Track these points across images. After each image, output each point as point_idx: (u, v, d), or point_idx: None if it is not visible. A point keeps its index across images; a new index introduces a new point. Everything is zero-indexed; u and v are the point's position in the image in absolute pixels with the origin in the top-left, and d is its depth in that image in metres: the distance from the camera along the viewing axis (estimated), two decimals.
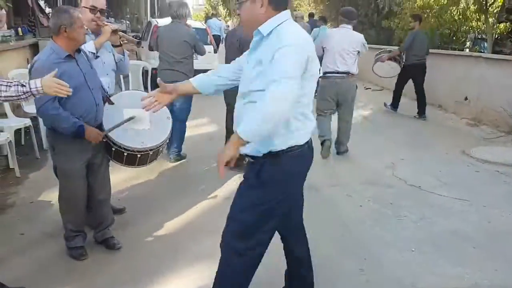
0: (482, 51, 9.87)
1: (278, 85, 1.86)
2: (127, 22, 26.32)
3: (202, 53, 5.26)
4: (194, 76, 2.46)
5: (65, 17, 2.67)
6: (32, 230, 3.44)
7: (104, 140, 2.95)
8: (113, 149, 3.01)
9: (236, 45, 4.50)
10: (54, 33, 2.73)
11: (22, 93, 2.29)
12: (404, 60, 7.62)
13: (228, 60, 4.58)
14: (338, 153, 5.54)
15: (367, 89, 10.74)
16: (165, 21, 12.77)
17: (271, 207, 2.13)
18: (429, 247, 3.29)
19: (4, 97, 2.28)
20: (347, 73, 5.23)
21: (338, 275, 2.94)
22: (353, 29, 5.43)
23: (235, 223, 2.17)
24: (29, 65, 2.98)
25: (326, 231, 3.52)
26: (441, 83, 8.43)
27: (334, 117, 5.58)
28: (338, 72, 5.21)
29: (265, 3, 2.00)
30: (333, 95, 5.30)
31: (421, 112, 7.66)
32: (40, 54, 2.77)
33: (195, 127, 6.35)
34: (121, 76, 6.22)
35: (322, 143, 5.28)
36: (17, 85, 2.29)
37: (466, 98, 7.66)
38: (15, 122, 4.98)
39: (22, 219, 3.59)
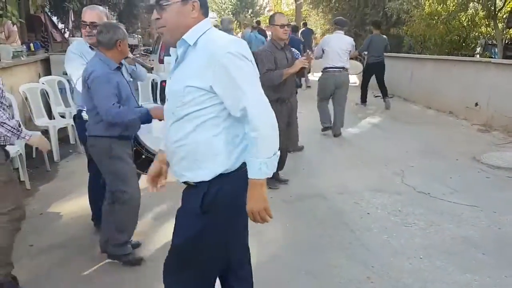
0: (493, 56, 9.79)
1: (257, 102, 1.73)
2: (139, 36, 26.78)
3: None
4: None
5: (120, 32, 2.90)
6: (41, 241, 3.49)
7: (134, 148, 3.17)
8: (143, 156, 3.22)
9: None
10: (109, 46, 2.91)
11: (16, 129, 2.56)
12: (365, 60, 9.28)
13: None
14: (335, 135, 6.76)
15: (376, 96, 10.68)
16: None
17: (217, 237, 1.89)
18: (438, 254, 3.25)
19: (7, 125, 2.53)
20: (343, 67, 6.64)
21: (345, 283, 2.91)
22: (346, 34, 7.02)
23: (174, 256, 1.96)
24: (79, 78, 3.11)
25: (333, 238, 3.51)
26: (452, 89, 8.38)
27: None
28: (336, 67, 6.60)
29: (197, 7, 1.78)
30: (332, 85, 6.64)
31: (385, 95, 9.15)
32: (93, 66, 2.88)
33: None
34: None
35: (324, 129, 6.88)
36: (17, 122, 2.61)
37: (476, 104, 7.59)
38: None
39: (32, 230, 3.62)
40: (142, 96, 7.20)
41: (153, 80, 7.33)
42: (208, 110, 1.75)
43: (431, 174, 5.05)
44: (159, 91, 7.51)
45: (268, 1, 39.40)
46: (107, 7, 15.53)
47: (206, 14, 1.83)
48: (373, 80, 9.67)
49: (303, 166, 5.37)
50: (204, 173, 1.81)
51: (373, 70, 9.19)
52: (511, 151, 5.85)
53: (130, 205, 3.04)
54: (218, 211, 1.84)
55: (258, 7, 40.67)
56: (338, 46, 6.59)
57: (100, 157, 3.01)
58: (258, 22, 15.46)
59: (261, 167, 1.73)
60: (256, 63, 1.91)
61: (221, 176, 1.81)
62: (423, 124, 7.67)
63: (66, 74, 3.51)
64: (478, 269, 3.04)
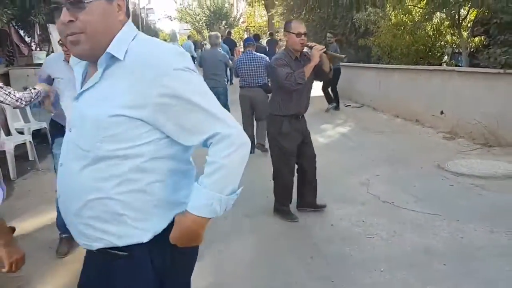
0: (460, 65, 9.97)
1: (234, 123, 1.40)
2: None
3: (230, 66, 7.74)
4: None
5: None
6: None
7: None
8: None
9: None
10: None
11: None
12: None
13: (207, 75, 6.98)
14: None
15: (347, 106, 10.77)
16: None
17: None
18: (399, 266, 3.20)
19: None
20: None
21: None
22: None
23: None
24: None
25: (295, 252, 3.43)
26: (418, 98, 8.49)
27: None
28: None
29: (123, 7, 1.37)
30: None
31: (331, 101, 10.13)
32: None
33: None
34: None
35: None
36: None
37: (442, 112, 7.69)
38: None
39: None
40: None
41: None
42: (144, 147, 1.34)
43: (396, 182, 5.04)
44: None
45: (242, 13, 39.64)
46: None
47: (128, 15, 1.41)
48: (343, 89, 9.77)
49: (269, 177, 5.28)
50: (140, 233, 1.38)
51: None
52: (475, 158, 5.90)
53: None
54: None
55: (232, 19, 40.82)
56: None
57: None
58: (229, 33, 15.62)
59: (213, 203, 1.34)
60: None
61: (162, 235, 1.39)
62: (390, 133, 7.72)
63: (26, 88, 3.44)
64: (439, 281, 2.99)
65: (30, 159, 5.88)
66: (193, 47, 16.84)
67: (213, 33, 7.79)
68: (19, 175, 5.45)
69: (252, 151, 6.61)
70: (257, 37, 13.73)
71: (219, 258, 3.39)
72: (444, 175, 5.27)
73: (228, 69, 8.42)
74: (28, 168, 5.75)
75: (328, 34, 10.86)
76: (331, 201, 4.46)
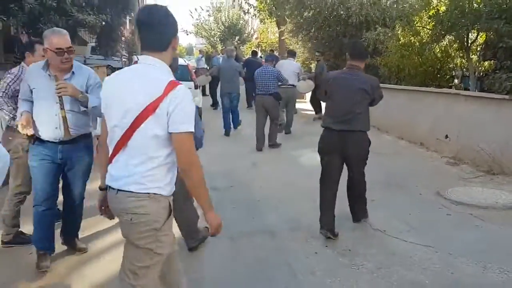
0: (470, 88, 9.74)
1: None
2: (124, 59, 26.65)
3: (242, 75, 9.77)
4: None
5: None
6: None
7: None
8: None
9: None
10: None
11: None
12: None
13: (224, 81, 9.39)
14: (285, 133, 9.44)
15: None
16: None
17: None
18: None
19: None
20: (292, 85, 9.28)
21: None
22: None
23: None
24: None
25: (271, 283, 3.21)
26: (423, 120, 8.26)
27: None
28: (288, 84, 8.85)
29: None
30: (285, 98, 8.87)
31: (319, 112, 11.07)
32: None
33: None
34: None
35: (280, 124, 8.91)
36: None
37: (446, 136, 7.45)
38: None
39: None
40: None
41: None
42: None
43: (391, 209, 4.83)
44: None
45: (256, 30, 39.85)
46: (85, 30, 15.44)
47: None
48: None
49: (258, 197, 5.11)
50: None
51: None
52: (477, 186, 5.65)
53: None
54: None
55: (246, 34, 41.06)
56: (290, 70, 9.36)
57: None
58: (255, 52, 15.32)
59: None
60: None
61: None
62: (392, 155, 7.49)
63: None
64: None
65: None
66: (203, 59, 18.43)
67: (229, 47, 10.24)
68: None
69: (260, 149, 7.87)
70: (254, 53, 14.98)
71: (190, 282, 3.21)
72: (442, 203, 5.03)
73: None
74: None
75: (316, 53, 12.03)
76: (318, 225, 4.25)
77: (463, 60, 10.13)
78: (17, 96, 3.44)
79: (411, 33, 10.14)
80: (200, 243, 3.74)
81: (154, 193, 2.01)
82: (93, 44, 20.36)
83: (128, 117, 2.00)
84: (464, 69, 10.62)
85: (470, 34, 8.86)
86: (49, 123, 3.22)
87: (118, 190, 2.04)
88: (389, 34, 11.05)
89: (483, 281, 3.26)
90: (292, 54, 10.63)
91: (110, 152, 2.10)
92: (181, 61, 11.19)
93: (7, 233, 3.78)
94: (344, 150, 4.08)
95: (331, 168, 4.15)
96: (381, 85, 10.85)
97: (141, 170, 2.01)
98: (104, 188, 2.21)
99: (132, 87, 2.03)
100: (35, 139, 3.29)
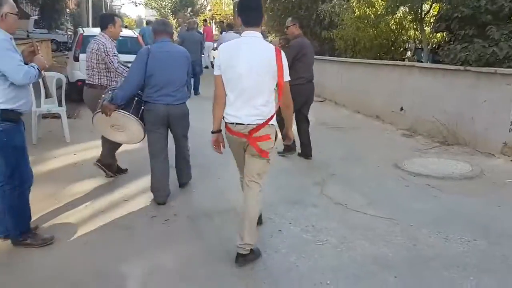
0: (422, 61, 9.91)
1: None
2: (69, 33, 25.21)
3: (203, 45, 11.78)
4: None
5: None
6: None
7: None
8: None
9: None
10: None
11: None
12: None
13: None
14: None
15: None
16: (93, 30, 12.18)
17: None
18: (346, 277, 2.95)
19: None
20: None
21: None
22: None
23: None
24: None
25: (234, 264, 3.09)
26: (379, 93, 8.33)
27: None
28: None
29: None
30: None
31: None
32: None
33: None
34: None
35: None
36: None
37: (401, 109, 7.56)
38: None
39: None
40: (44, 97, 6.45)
41: (57, 79, 6.55)
42: None
43: (351, 183, 4.82)
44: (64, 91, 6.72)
45: (209, 1, 38.89)
46: (26, 2, 14.38)
47: None
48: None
49: (218, 175, 4.96)
50: None
51: None
52: (433, 157, 5.77)
53: None
54: None
55: (198, 6, 40.01)
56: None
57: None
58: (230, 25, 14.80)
59: None
60: None
61: None
62: (349, 130, 7.52)
63: None
64: None
65: None
66: (147, 31, 16.95)
67: (192, 19, 11.74)
68: None
69: None
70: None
71: (146, 265, 3.04)
72: (400, 174, 5.08)
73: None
74: None
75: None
76: (282, 203, 4.18)
77: (417, 32, 10.27)
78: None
79: (366, 5, 10.11)
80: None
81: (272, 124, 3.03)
82: (36, 17, 19.08)
83: (253, 74, 2.88)
84: (417, 41, 10.79)
85: (423, 5, 8.94)
86: None
87: (248, 124, 2.95)
88: (345, 6, 10.98)
89: (445, 252, 3.29)
90: (230, 27, 11.68)
91: (233, 101, 2.96)
92: (130, 33, 10.66)
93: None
94: None
95: None
96: (337, 58, 10.97)
97: (265, 110, 2.96)
98: (217, 131, 3.14)
99: (249, 52, 2.91)
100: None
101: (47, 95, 4.28)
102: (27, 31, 19.98)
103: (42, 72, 3.27)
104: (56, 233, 3.47)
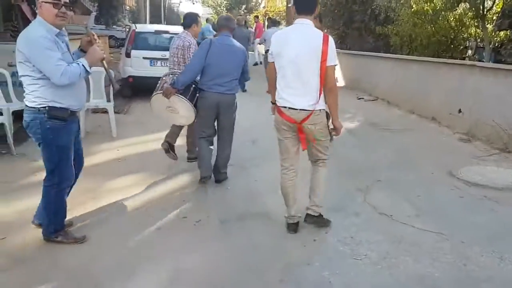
0: (484, 60, 9.22)
1: None
2: (127, 29, 25.96)
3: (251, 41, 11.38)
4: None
5: None
6: None
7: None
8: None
9: None
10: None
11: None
12: None
13: None
14: None
15: (359, 98, 10.11)
16: (147, 26, 12.31)
17: None
18: None
19: None
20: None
21: None
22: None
23: None
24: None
25: (264, 273, 2.91)
26: (436, 93, 7.80)
27: None
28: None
29: None
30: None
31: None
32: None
33: None
34: None
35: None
36: None
37: (460, 111, 7.02)
38: None
39: None
40: (94, 92, 6.58)
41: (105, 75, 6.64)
42: None
43: (399, 190, 4.48)
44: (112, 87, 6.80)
45: None
46: None
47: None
48: (357, 80, 9.03)
49: (255, 177, 4.78)
50: None
51: None
52: (492, 165, 5.28)
53: None
54: None
55: (253, 3, 40.08)
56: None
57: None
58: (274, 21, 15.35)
59: None
60: None
61: None
62: (402, 131, 7.09)
63: (12, 65, 3.12)
64: None
65: (8, 141, 5.48)
66: (210, 28, 17.11)
67: (240, 16, 11.74)
68: None
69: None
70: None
71: (174, 271, 2.92)
72: (454, 184, 4.67)
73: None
74: (3, 151, 5.35)
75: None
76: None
77: (478, 30, 9.58)
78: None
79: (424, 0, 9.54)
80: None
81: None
82: (96, 13, 19.75)
83: (302, 60, 3.09)
84: (479, 40, 10.07)
85: (485, 1, 8.30)
86: None
87: (301, 109, 3.17)
88: (401, 1, 10.47)
89: (499, 275, 2.93)
90: (274, 22, 11.69)
91: (284, 86, 3.20)
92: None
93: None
94: None
95: None
96: (391, 55, 10.45)
97: (315, 95, 3.15)
98: (275, 102, 3.36)
99: (298, 39, 3.10)
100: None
101: (114, 87, 3.99)
102: (87, 26, 20.73)
103: (104, 63, 3.21)
104: (88, 230, 3.44)
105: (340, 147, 6.00)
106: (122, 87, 8.95)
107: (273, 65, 3.27)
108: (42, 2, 2.89)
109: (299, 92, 3.13)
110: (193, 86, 4.29)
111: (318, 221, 3.50)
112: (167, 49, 9.60)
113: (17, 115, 5.81)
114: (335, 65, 3.13)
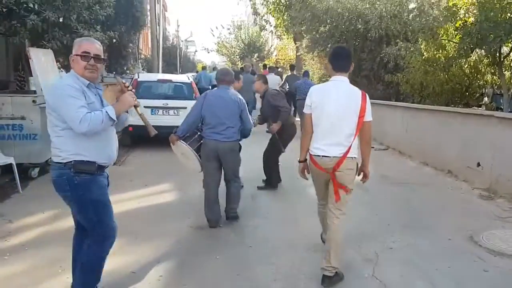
0: (502, 108, 8.73)
1: None
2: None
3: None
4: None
5: None
6: None
7: None
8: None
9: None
10: None
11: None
12: None
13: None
14: None
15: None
16: (149, 75, 12.30)
17: None
18: None
19: None
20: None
21: None
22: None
23: None
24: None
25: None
26: (452, 144, 7.28)
27: None
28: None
29: None
30: None
31: None
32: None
33: None
34: None
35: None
36: None
37: (478, 164, 6.46)
38: None
39: None
40: None
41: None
42: None
43: (413, 262, 3.89)
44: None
45: (276, 47, 39.46)
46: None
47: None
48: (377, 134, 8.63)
49: (251, 242, 4.25)
50: None
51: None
52: None
53: None
54: None
55: (265, 52, 40.75)
56: (272, 82, 9.86)
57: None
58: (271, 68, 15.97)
59: None
60: None
61: None
62: (415, 186, 6.54)
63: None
64: None
65: None
66: (203, 75, 18.61)
67: (247, 63, 13.66)
68: None
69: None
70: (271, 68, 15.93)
71: None
72: (477, 253, 4.07)
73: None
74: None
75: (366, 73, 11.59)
76: (319, 282, 3.38)
77: (495, 77, 9.16)
78: None
79: (435, 47, 9.25)
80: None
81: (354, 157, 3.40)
82: (106, 63, 19.99)
83: (340, 113, 3.32)
84: (496, 87, 9.64)
85: (502, 47, 7.93)
86: None
87: (334, 156, 3.33)
88: (411, 49, 10.20)
89: None
90: (271, 69, 13.91)
91: (321, 136, 3.38)
92: (185, 79, 10.52)
93: None
94: None
95: None
96: (400, 103, 10.02)
97: (348, 145, 3.32)
98: (303, 161, 3.59)
99: (338, 94, 3.34)
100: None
101: (151, 133, 3.46)
102: (102, 75, 20.97)
103: (138, 110, 2.97)
104: None
105: (350, 203, 5.47)
106: (122, 136, 8.73)
107: (310, 116, 3.44)
108: (74, 55, 2.82)
109: (334, 142, 3.32)
110: (198, 133, 4.80)
111: (334, 280, 3.43)
112: (168, 97, 9.58)
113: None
114: (371, 121, 3.34)
